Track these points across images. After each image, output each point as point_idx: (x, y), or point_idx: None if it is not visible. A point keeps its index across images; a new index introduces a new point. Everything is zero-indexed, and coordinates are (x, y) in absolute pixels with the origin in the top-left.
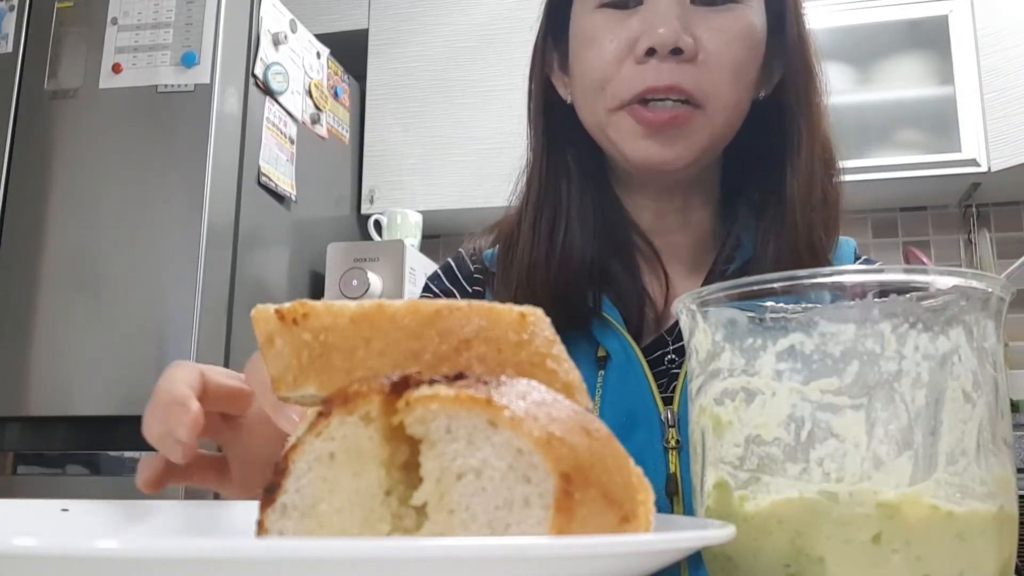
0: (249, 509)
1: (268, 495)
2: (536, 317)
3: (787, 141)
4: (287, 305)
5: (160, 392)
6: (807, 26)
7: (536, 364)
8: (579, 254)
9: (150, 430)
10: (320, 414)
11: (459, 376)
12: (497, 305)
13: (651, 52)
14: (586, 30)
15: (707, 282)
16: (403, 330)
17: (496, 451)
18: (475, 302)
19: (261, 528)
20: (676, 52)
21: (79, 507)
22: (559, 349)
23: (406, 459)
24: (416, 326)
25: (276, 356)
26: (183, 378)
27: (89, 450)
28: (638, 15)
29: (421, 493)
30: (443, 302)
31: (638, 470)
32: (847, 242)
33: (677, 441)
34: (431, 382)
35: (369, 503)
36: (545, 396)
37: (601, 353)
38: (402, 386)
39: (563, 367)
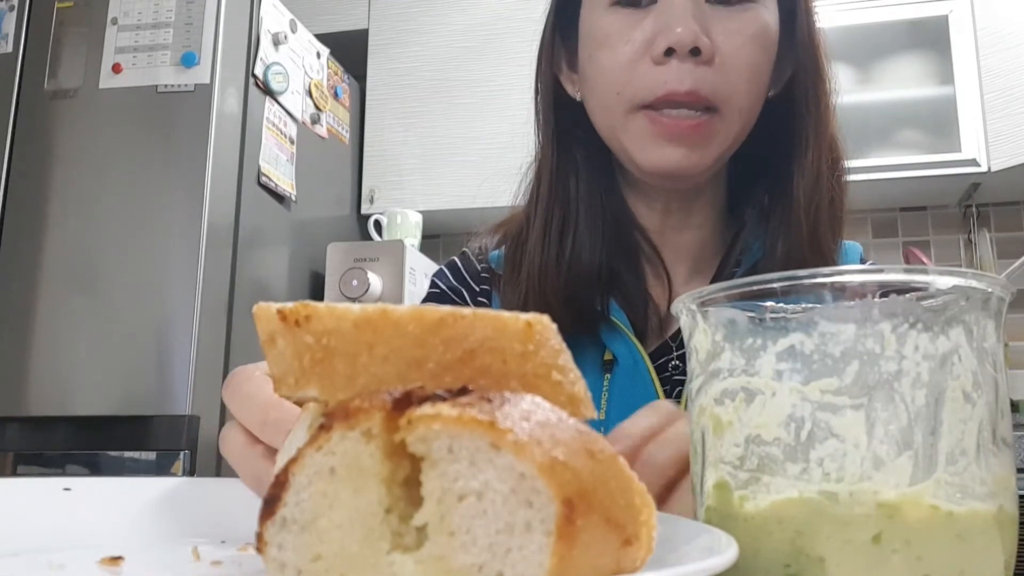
0: (248, 491)
1: (268, 507)
2: (543, 326)
3: (795, 140)
4: (289, 305)
5: (271, 412)
6: (817, 25)
7: (541, 376)
8: (588, 256)
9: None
10: (322, 427)
11: (463, 391)
12: (503, 314)
13: (669, 52)
14: (598, 30)
15: None
16: (407, 337)
17: (498, 474)
18: (480, 310)
19: (260, 541)
20: (694, 53)
21: (81, 486)
22: (565, 359)
23: (407, 475)
24: (420, 333)
25: (278, 356)
26: (285, 405)
27: (89, 450)
28: (652, 15)
29: (422, 514)
30: (448, 309)
31: (641, 488)
32: (853, 247)
33: None
34: (434, 398)
35: (369, 521)
36: (550, 416)
37: (607, 357)
38: (404, 403)
39: (568, 378)
